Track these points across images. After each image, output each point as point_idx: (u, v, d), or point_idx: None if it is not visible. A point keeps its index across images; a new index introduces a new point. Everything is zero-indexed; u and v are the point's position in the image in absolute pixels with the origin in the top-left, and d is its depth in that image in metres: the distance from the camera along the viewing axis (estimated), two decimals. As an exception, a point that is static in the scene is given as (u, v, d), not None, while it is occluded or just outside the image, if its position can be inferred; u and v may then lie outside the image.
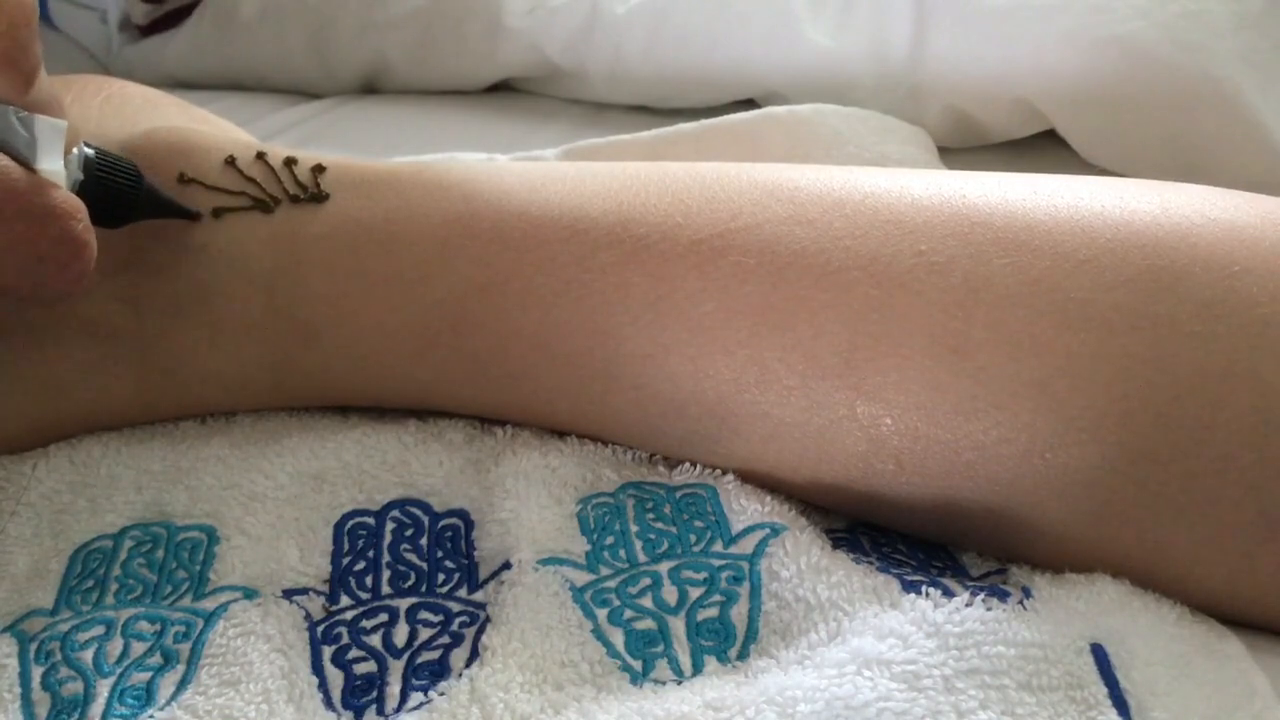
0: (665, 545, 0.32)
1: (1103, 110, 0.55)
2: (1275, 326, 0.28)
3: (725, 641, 0.29)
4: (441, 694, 0.28)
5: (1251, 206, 0.31)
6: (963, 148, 0.62)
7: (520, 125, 0.72)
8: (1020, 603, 0.28)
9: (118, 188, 0.33)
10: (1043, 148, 0.61)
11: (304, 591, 0.32)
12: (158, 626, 0.30)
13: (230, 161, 0.36)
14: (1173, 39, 0.52)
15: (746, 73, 0.66)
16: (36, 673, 0.29)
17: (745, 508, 0.32)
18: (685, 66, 0.68)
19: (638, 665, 0.29)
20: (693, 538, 0.32)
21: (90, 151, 0.32)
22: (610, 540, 0.32)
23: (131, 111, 0.39)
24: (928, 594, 0.28)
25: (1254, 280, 0.29)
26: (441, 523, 0.34)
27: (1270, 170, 0.51)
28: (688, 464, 0.34)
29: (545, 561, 0.31)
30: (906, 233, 0.31)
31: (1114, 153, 0.56)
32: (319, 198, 0.36)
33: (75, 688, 0.29)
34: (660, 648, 0.29)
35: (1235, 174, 0.52)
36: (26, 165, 0.29)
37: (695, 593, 0.30)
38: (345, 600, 0.32)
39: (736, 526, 0.31)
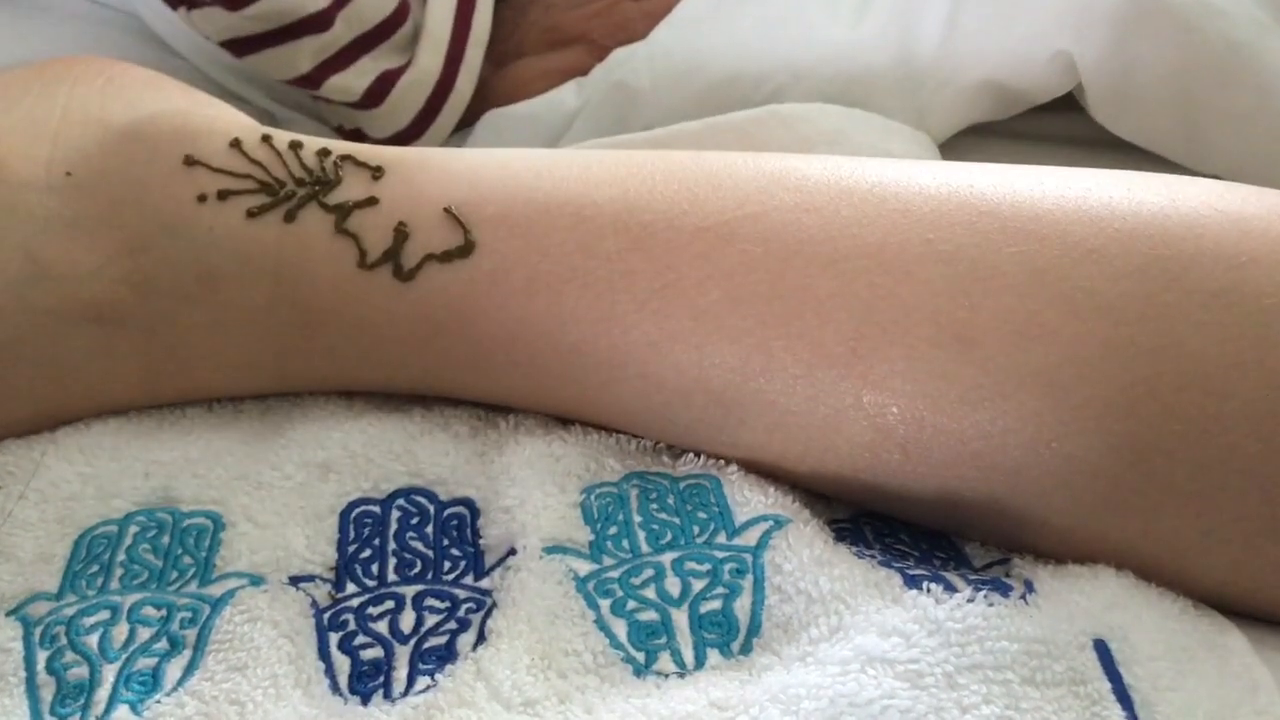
0: (668, 536, 0.31)
1: (1124, 62, 0.54)
2: None
3: (728, 635, 0.29)
4: (448, 676, 0.28)
5: (1260, 200, 0.31)
6: (997, 119, 0.61)
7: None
8: (1022, 597, 0.28)
9: None
10: (1048, 144, 0.61)
11: (310, 579, 0.32)
12: (163, 612, 0.30)
13: (235, 144, 0.36)
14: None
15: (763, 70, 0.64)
16: (41, 657, 0.29)
17: (749, 499, 0.32)
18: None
19: (640, 657, 0.29)
20: (696, 529, 0.32)
21: None
22: (613, 530, 0.32)
23: (134, 94, 0.39)
24: (929, 589, 0.28)
25: (1261, 271, 0.29)
26: (447, 511, 0.34)
27: (1273, 138, 0.51)
28: (692, 454, 0.34)
29: (550, 550, 0.31)
30: (913, 221, 0.31)
31: (1128, 111, 0.56)
32: (325, 182, 0.36)
33: (81, 672, 0.29)
34: (663, 639, 0.29)
35: (1238, 140, 0.51)
36: None
37: (698, 585, 0.30)
38: (351, 587, 0.32)
39: (740, 518, 0.31)
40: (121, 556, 0.32)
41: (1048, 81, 0.58)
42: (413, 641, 0.30)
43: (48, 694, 0.28)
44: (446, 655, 0.29)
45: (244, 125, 0.38)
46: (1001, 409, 0.30)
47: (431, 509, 0.34)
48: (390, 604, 0.31)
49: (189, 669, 0.29)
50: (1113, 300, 0.29)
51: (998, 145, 0.61)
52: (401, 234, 0.34)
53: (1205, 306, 0.29)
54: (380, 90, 0.64)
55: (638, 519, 0.32)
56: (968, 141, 0.61)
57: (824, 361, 0.31)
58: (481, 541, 0.33)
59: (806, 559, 0.30)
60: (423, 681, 0.29)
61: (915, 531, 0.33)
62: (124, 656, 0.29)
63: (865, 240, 0.31)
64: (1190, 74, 0.52)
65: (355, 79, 0.63)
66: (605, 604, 0.30)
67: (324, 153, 0.36)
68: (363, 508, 0.34)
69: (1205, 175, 0.43)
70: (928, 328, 0.30)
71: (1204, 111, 0.52)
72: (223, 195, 0.35)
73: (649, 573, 0.30)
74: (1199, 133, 0.53)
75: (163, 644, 0.30)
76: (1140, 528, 0.30)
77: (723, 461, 0.34)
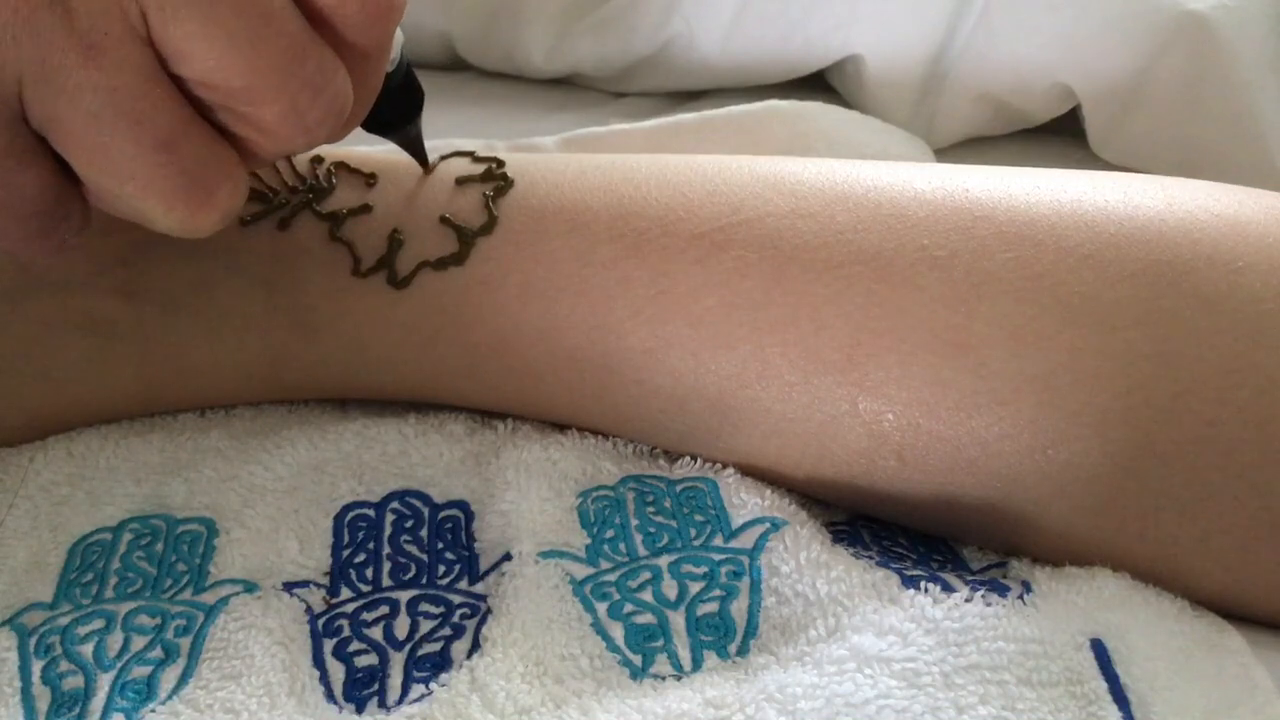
0: (665, 539, 0.31)
1: (1128, 99, 0.55)
2: (1278, 322, 0.28)
3: (725, 637, 0.29)
4: (442, 685, 0.28)
5: (1256, 202, 0.31)
6: (994, 135, 0.62)
7: (525, 112, 0.70)
8: (1020, 598, 0.28)
9: (415, 86, 0.34)
10: (1047, 143, 0.61)
11: (304, 584, 0.32)
12: (158, 620, 0.30)
13: None
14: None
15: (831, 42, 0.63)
16: (37, 666, 0.29)
17: (745, 501, 0.32)
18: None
19: (637, 660, 0.29)
20: (693, 532, 0.31)
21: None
22: (610, 533, 0.32)
23: None
24: (927, 589, 0.28)
25: (1257, 276, 0.29)
26: (441, 514, 0.34)
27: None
28: (688, 457, 0.34)
29: (546, 554, 0.31)
30: (909, 226, 0.31)
31: (1125, 144, 0.57)
32: (319, 189, 0.36)
33: (76, 682, 0.29)
34: (660, 642, 0.29)
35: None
36: None
37: (695, 587, 0.30)
38: (346, 592, 0.31)
39: (737, 521, 0.31)
40: (116, 564, 0.32)
41: (1049, 103, 0.59)
42: (407, 648, 0.30)
43: (43, 704, 0.28)
44: (441, 663, 0.29)
45: None
46: (998, 415, 0.30)
47: (425, 511, 0.34)
48: (385, 609, 0.31)
49: (183, 677, 0.29)
50: (1109, 305, 0.29)
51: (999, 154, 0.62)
52: (396, 241, 0.34)
53: (1202, 312, 0.29)
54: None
55: (634, 522, 0.32)
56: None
57: (820, 368, 0.31)
58: (476, 545, 0.33)
59: (804, 561, 0.30)
60: (417, 690, 0.28)
61: (913, 535, 0.33)
62: (119, 665, 0.29)
63: (861, 246, 0.31)
64: (1192, 110, 0.53)
65: None
66: (602, 607, 0.30)
67: (317, 160, 0.36)
68: (357, 511, 0.34)
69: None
70: (924, 334, 0.30)
71: (1201, 150, 0.53)
72: None
73: (646, 576, 0.30)
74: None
75: (157, 652, 0.29)
76: (1137, 532, 0.30)
77: (719, 464, 0.34)
